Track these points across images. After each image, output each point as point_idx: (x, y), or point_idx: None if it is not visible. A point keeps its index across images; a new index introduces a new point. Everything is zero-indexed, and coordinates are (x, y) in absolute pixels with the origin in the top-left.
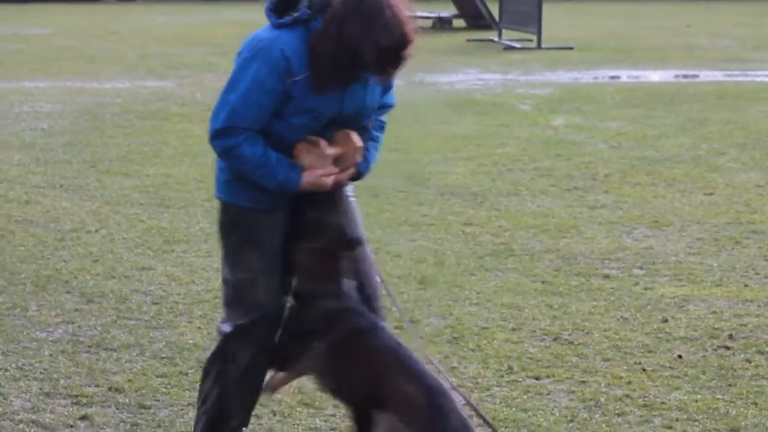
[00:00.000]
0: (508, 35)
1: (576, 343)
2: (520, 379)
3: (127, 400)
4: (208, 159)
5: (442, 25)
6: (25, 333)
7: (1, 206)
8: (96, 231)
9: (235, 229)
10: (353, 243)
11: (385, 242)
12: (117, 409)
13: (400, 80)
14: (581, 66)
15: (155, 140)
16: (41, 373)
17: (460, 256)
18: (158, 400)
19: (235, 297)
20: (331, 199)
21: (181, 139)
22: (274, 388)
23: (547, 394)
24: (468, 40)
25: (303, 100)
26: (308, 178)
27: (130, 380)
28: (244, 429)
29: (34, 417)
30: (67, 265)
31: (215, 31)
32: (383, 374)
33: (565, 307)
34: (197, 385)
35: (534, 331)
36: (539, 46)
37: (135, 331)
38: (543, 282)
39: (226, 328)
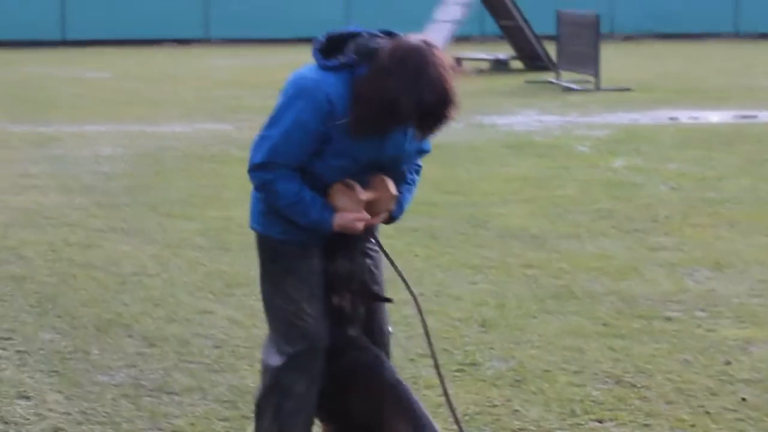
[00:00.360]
0: (567, 76)
1: (639, 385)
2: (582, 422)
3: None
4: None
5: (500, 66)
6: (87, 377)
7: (62, 250)
8: (157, 275)
9: (274, 259)
10: (374, 298)
11: (446, 285)
12: None
13: (458, 122)
14: (640, 107)
15: (215, 183)
16: (104, 416)
17: (521, 299)
18: None
19: (283, 327)
20: (361, 248)
21: (240, 181)
22: None
23: None
24: (526, 82)
25: (342, 143)
26: (340, 220)
27: (192, 424)
28: None
29: None
30: (129, 308)
31: (273, 74)
32: (381, 410)
33: (627, 349)
34: None
35: (596, 373)
36: (598, 88)
37: (197, 374)
38: (605, 324)
39: (276, 361)
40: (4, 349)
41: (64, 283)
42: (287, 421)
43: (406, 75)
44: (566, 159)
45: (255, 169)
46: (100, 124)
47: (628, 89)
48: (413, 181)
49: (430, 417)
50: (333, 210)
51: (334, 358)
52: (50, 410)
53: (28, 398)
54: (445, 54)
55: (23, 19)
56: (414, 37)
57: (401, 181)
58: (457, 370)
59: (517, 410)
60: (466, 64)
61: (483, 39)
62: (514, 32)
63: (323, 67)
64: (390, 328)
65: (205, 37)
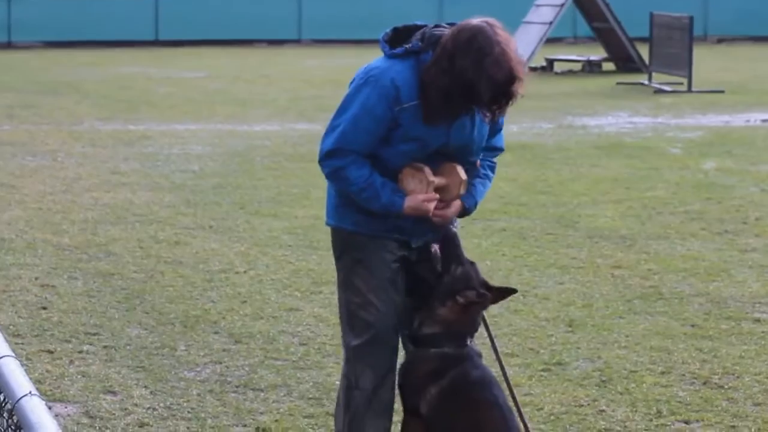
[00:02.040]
0: (659, 78)
1: (726, 387)
2: (669, 423)
3: None
4: None
5: (591, 68)
6: (173, 372)
7: (150, 247)
8: (244, 272)
9: (345, 251)
10: (504, 292)
11: (533, 285)
12: None
13: (549, 123)
14: (732, 109)
15: (304, 182)
16: (189, 412)
17: (608, 299)
18: None
19: (348, 319)
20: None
21: None
22: None
23: None
24: (618, 83)
25: (411, 128)
26: (410, 203)
27: (277, 420)
28: None
29: None
30: (216, 305)
31: None
32: (484, 429)
33: (715, 350)
34: None
35: (683, 374)
36: (690, 89)
37: (282, 371)
38: (693, 325)
39: (344, 353)
40: (91, 344)
41: (152, 279)
42: (356, 416)
43: (472, 55)
44: (657, 160)
45: (326, 157)
46: (190, 123)
47: (720, 91)
48: (486, 176)
49: None
50: (403, 194)
51: (447, 370)
52: (136, 405)
53: (114, 393)
54: (506, 32)
55: (117, 19)
56: (476, 19)
57: (472, 173)
58: (543, 370)
59: (603, 410)
60: (558, 66)
61: (575, 41)
62: (606, 34)
63: (390, 56)
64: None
65: (297, 38)
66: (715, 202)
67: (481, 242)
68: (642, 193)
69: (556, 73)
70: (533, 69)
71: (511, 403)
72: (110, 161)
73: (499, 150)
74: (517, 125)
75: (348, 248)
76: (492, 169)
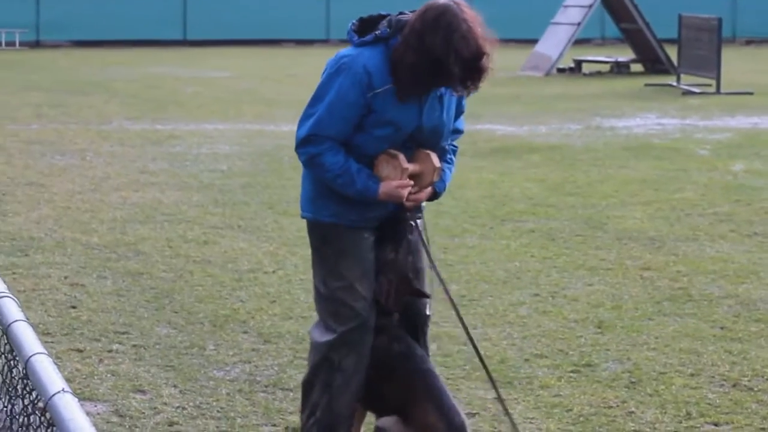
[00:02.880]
0: (687, 80)
1: (756, 389)
2: (698, 425)
3: None
4: None
5: (620, 69)
6: (202, 372)
7: (179, 246)
8: (273, 272)
9: (326, 243)
10: (411, 292)
11: (562, 286)
12: None
13: (577, 124)
14: (761, 111)
15: None
16: (218, 411)
17: (637, 301)
18: None
19: (333, 307)
20: (408, 242)
21: None
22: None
23: None
24: (646, 85)
25: (384, 112)
26: (385, 188)
27: None
28: None
29: None
30: (245, 305)
31: None
32: (416, 397)
33: (745, 353)
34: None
35: (713, 376)
36: (718, 91)
37: None
38: (722, 328)
39: (325, 338)
40: (120, 343)
41: (181, 279)
42: (336, 394)
43: (441, 32)
44: (685, 162)
45: (301, 144)
46: (218, 123)
47: (749, 93)
48: (452, 160)
49: (458, 405)
50: (378, 180)
51: (378, 347)
52: (165, 404)
53: (143, 392)
54: (473, 10)
55: (145, 19)
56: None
57: (442, 157)
58: (572, 371)
59: (632, 412)
60: (586, 67)
61: (603, 42)
62: (634, 35)
63: (359, 44)
64: (429, 312)
65: (325, 38)
66: (744, 203)
67: (510, 243)
68: (671, 195)
69: (584, 75)
70: (561, 70)
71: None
72: (138, 160)
73: (460, 132)
74: (545, 126)
75: (328, 240)
76: (454, 153)
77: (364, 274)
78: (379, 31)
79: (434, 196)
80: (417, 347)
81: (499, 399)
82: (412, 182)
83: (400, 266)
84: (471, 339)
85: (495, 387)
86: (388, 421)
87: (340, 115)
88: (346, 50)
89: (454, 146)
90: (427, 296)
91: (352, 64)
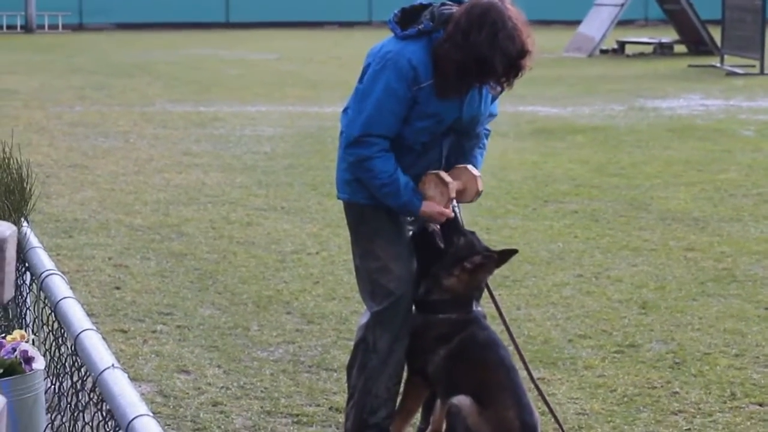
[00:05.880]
0: (730, 61)
1: None
2: (743, 406)
3: None
4: None
5: (663, 50)
6: (246, 352)
7: (223, 228)
8: (317, 253)
9: (362, 222)
10: (506, 256)
11: (606, 267)
12: (337, 428)
13: (621, 105)
14: None
15: None
16: (262, 392)
17: (681, 282)
18: None
19: (370, 287)
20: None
21: None
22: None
23: None
24: (689, 66)
25: (427, 105)
26: (427, 209)
27: None
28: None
29: None
30: (288, 286)
31: None
32: (498, 388)
33: None
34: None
35: (757, 357)
36: (762, 72)
37: None
38: (766, 308)
39: (363, 319)
40: (164, 324)
41: (225, 260)
42: (371, 376)
43: (486, 30)
44: (729, 143)
45: (352, 145)
46: (261, 105)
47: None
48: (484, 145)
49: (532, 404)
50: (422, 197)
51: (454, 334)
52: (209, 384)
53: (188, 372)
54: (516, 6)
55: (188, 1)
56: None
57: (477, 144)
58: (616, 352)
59: (676, 392)
60: (629, 48)
61: (646, 23)
62: (678, 16)
63: (402, 37)
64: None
65: (368, 19)
66: None
67: (553, 224)
68: (714, 176)
69: (628, 56)
70: (604, 51)
71: (520, 367)
72: (182, 142)
73: (493, 116)
74: (588, 107)
75: (365, 220)
76: (487, 137)
77: (399, 253)
78: (423, 25)
79: None
80: (502, 342)
81: (532, 380)
82: (452, 214)
83: (475, 241)
84: (504, 320)
85: (527, 368)
86: (463, 400)
87: (389, 111)
88: (388, 43)
89: (487, 129)
90: (516, 251)
91: (397, 59)
